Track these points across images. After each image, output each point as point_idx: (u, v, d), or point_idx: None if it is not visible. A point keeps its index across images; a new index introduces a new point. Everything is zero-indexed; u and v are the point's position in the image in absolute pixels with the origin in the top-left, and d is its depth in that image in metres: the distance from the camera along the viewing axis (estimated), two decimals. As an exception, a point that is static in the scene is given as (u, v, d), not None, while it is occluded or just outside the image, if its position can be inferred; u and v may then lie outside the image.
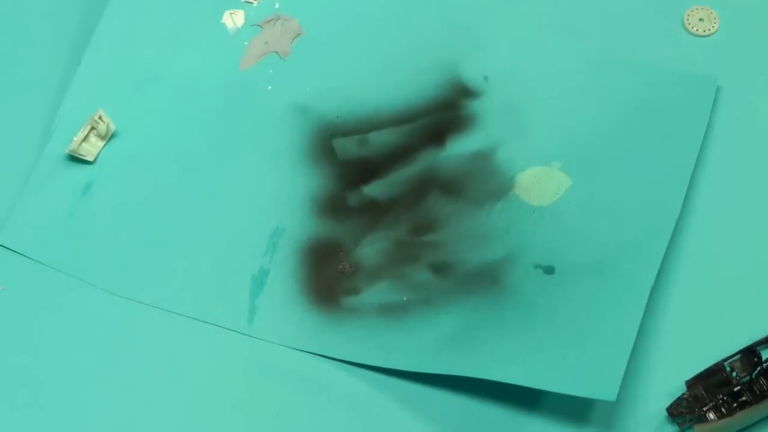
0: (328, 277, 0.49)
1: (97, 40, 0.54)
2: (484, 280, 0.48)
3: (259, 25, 0.55)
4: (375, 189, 0.51)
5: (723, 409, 0.45)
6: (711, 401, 0.45)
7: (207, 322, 0.48)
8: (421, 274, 0.49)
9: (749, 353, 0.47)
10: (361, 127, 0.53)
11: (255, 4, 0.55)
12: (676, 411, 0.46)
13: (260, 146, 0.52)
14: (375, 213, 0.51)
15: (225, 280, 0.49)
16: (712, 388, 0.46)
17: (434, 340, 0.47)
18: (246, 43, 0.55)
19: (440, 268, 0.49)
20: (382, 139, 0.52)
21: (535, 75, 0.53)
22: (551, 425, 0.46)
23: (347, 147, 0.52)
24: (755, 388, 0.46)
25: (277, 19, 0.55)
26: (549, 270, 0.48)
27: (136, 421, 0.47)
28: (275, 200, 0.51)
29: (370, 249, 0.50)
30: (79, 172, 0.52)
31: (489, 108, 0.52)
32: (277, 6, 0.55)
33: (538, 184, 0.50)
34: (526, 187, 0.51)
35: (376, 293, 0.49)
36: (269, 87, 0.54)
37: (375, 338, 0.48)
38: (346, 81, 0.54)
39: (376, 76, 0.54)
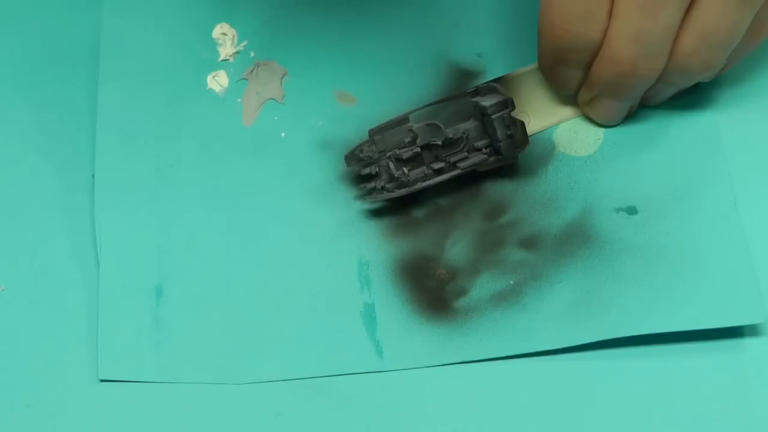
0: (432, 289, 0.50)
1: (101, 147, 0.52)
2: (577, 239, 0.50)
3: (245, 78, 0.54)
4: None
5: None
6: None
7: (341, 375, 0.48)
8: (515, 253, 0.50)
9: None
10: None
11: (232, 60, 0.55)
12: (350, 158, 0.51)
13: (303, 193, 0.52)
14: (444, 216, 0.51)
15: (337, 330, 0.49)
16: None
17: (559, 313, 0.48)
18: (239, 100, 0.54)
19: (529, 243, 0.50)
20: None
21: (523, 37, 0.54)
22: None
23: None
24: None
25: (257, 67, 0.54)
26: (631, 210, 0.50)
27: (135, 418, 0.47)
28: (344, 237, 0.51)
29: (456, 249, 0.51)
30: (143, 278, 0.50)
31: None
32: (252, 54, 0.55)
33: (576, 135, 0.52)
34: (567, 143, 0.52)
35: (482, 286, 0.50)
36: (282, 134, 0.53)
37: (502, 328, 0.49)
38: (351, 102, 0.54)
39: (376, 87, 0.54)
